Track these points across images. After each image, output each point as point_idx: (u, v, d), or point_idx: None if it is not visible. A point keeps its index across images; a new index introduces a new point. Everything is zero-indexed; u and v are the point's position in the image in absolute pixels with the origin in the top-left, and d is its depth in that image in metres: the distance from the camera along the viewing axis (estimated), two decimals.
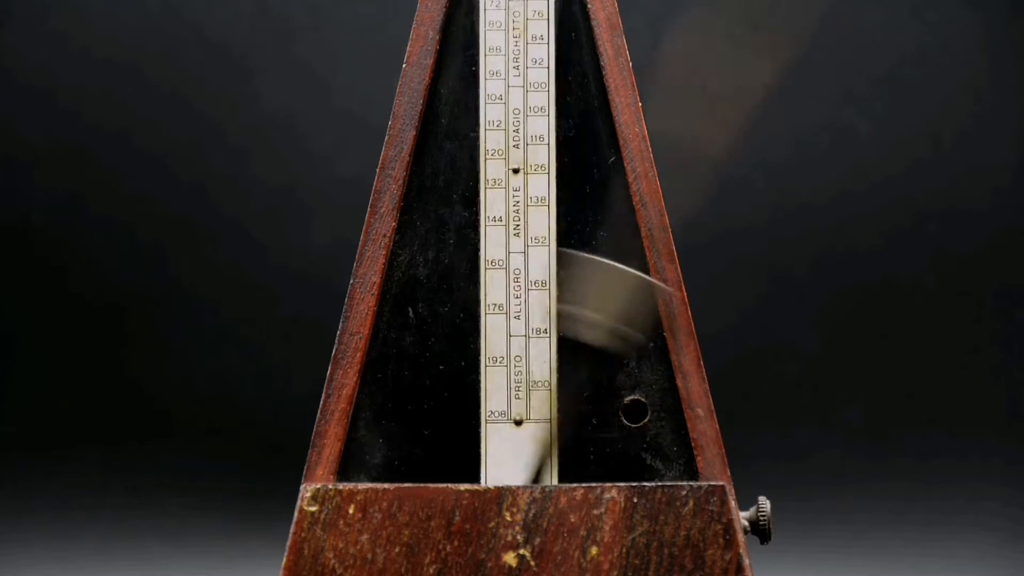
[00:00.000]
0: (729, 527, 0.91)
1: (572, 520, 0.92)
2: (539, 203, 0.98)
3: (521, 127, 0.98)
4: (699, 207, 1.01)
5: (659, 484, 0.92)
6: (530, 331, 0.97)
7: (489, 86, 0.99)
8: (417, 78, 0.98)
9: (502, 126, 0.98)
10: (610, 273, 0.96)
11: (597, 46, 0.98)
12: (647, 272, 0.96)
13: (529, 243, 0.98)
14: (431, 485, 0.93)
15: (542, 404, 0.96)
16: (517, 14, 0.99)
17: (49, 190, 1.97)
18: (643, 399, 0.96)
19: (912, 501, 1.83)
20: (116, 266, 1.95)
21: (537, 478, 0.96)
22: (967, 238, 1.93)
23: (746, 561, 0.91)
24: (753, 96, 1.05)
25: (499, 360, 0.97)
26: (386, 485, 0.93)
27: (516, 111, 0.98)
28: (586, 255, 0.96)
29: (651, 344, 0.96)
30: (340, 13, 2.01)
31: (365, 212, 0.97)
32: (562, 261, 0.97)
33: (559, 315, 0.96)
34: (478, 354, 0.97)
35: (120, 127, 1.97)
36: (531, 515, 0.92)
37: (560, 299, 0.97)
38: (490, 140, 0.98)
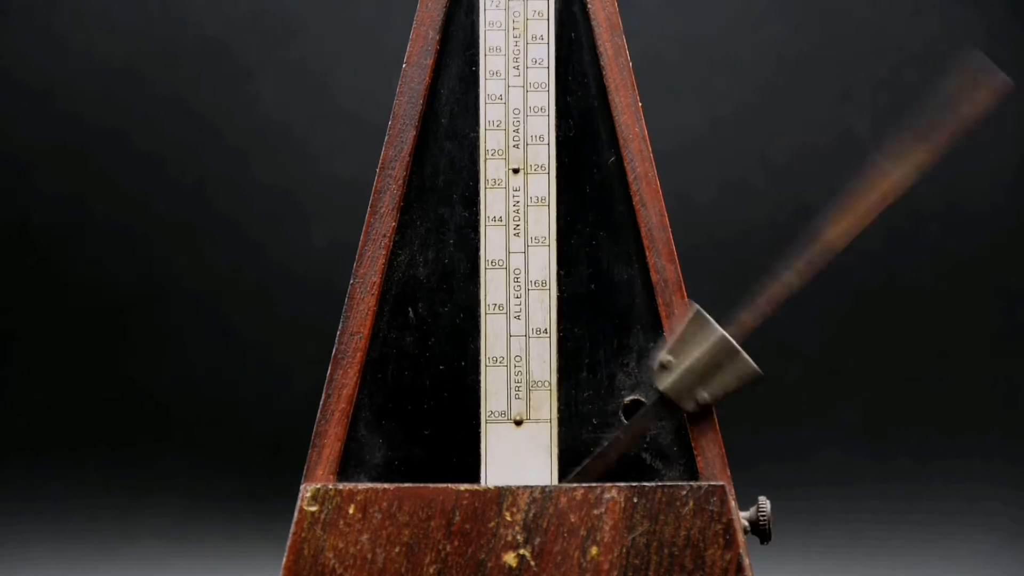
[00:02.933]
0: (729, 527, 0.91)
1: (572, 520, 0.92)
2: (539, 203, 0.98)
3: (521, 127, 0.98)
4: None
5: (659, 484, 0.92)
6: (530, 331, 0.97)
7: (489, 86, 0.99)
8: (417, 78, 0.98)
9: (502, 126, 0.98)
10: (709, 332, 0.94)
11: (597, 46, 0.98)
12: (648, 273, 0.97)
13: (529, 243, 0.98)
14: (431, 485, 0.93)
15: (542, 404, 0.96)
16: (517, 14, 0.99)
17: (48, 191, 1.97)
18: (643, 399, 0.96)
19: (912, 501, 1.83)
20: (116, 267, 1.95)
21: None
22: (967, 238, 1.93)
23: (746, 561, 0.91)
24: None
25: (499, 360, 0.97)
26: (386, 485, 0.93)
27: (516, 111, 0.98)
28: (714, 323, 0.95)
29: (650, 344, 0.97)
30: (340, 13, 2.01)
31: (365, 212, 0.97)
32: (694, 320, 0.95)
33: (660, 366, 0.95)
34: (478, 354, 0.97)
35: (119, 128, 1.97)
36: (531, 515, 0.92)
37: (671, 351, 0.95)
38: (490, 140, 0.98)
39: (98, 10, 2.00)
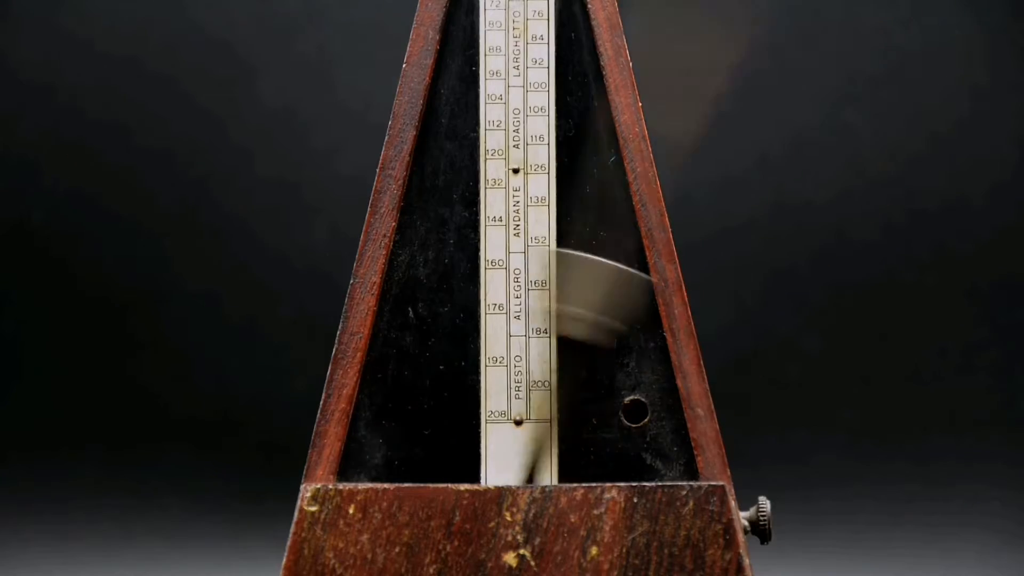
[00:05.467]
0: (729, 527, 0.91)
1: (572, 520, 0.92)
2: (539, 203, 0.98)
3: (521, 127, 0.98)
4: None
5: (659, 484, 0.92)
6: (530, 331, 0.97)
7: (489, 86, 0.99)
8: (417, 78, 0.98)
9: (502, 126, 0.98)
10: (590, 266, 0.96)
11: (597, 46, 0.98)
12: (647, 272, 0.97)
13: (529, 243, 0.98)
14: (431, 485, 0.93)
15: (542, 404, 0.96)
16: (517, 14, 0.99)
17: (50, 188, 1.97)
18: (643, 399, 0.96)
19: (912, 501, 1.83)
20: (116, 265, 1.95)
21: (531, 478, 0.96)
22: (967, 237, 1.93)
23: (746, 561, 0.91)
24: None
25: (499, 360, 0.97)
26: (386, 485, 0.93)
27: (516, 111, 0.98)
28: (566, 251, 0.96)
29: (650, 344, 0.97)
30: (342, 12, 2.01)
31: (366, 211, 0.97)
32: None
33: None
34: (478, 354, 0.97)
35: (122, 125, 1.97)
36: (531, 515, 0.92)
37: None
38: (490, 140, 0.98)
39: (101, 6, 2.00)
